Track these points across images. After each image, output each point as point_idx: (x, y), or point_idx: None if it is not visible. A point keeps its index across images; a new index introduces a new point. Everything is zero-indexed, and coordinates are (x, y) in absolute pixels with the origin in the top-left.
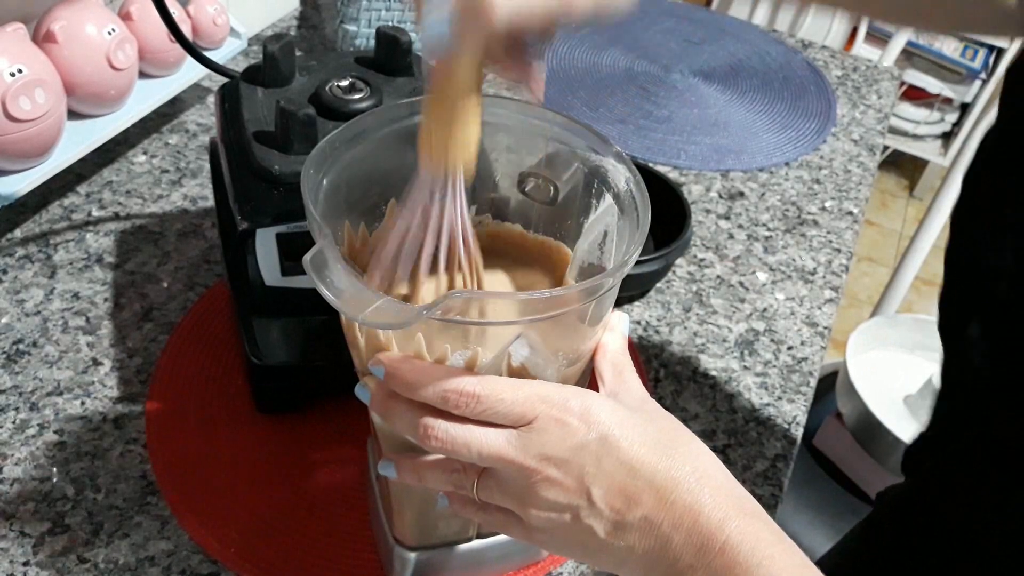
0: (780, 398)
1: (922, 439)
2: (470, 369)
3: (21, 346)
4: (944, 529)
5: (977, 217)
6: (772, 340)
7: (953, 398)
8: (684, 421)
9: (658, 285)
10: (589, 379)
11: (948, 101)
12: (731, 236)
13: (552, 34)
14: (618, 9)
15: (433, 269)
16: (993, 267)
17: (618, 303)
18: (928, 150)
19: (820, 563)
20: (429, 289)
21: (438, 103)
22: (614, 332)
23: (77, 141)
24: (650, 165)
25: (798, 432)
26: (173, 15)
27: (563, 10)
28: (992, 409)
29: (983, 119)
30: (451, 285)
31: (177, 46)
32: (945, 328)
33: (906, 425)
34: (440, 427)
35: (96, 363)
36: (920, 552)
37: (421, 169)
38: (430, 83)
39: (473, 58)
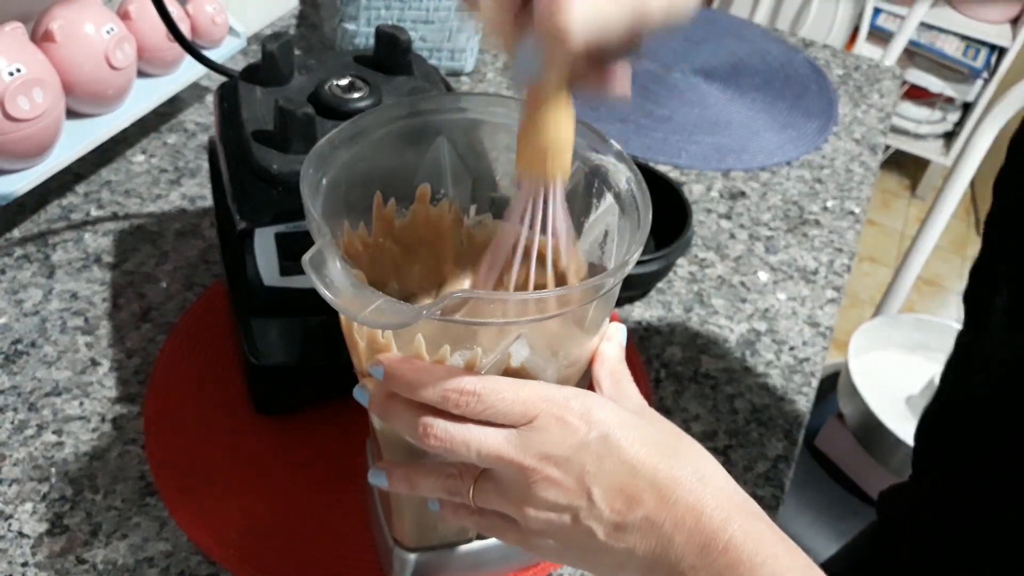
0: (782, 399)
1: (931, 414)
2: (470, 369)
3: (19, 346)
4: (953, 532)
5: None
6: (774, 340)
7: (962, 371)
8: (685, 422)
9: (659, 285)
10: (587, 386)
11: (950, 100)
12: (732, 236)
13: (637, 44)
14: (687, 11)
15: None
16: None
17: (619, 303)
18: (930, 150)
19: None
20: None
21: (533, 122)
22: (612, 341)
23: (75, 141)
24: (651, 164)
25: (800, 433)
26: (172, 14)
27: (639, 21)
28: (1007, 382)
29: (985, 118)
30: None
31: (176, 45)
32: (971, 297)
33: (908, 426)
34: (440, 426)
35: (94, 363)
36: (929, 556)
37: (522, 181)
38: (525, 105)
39: (560, 79)
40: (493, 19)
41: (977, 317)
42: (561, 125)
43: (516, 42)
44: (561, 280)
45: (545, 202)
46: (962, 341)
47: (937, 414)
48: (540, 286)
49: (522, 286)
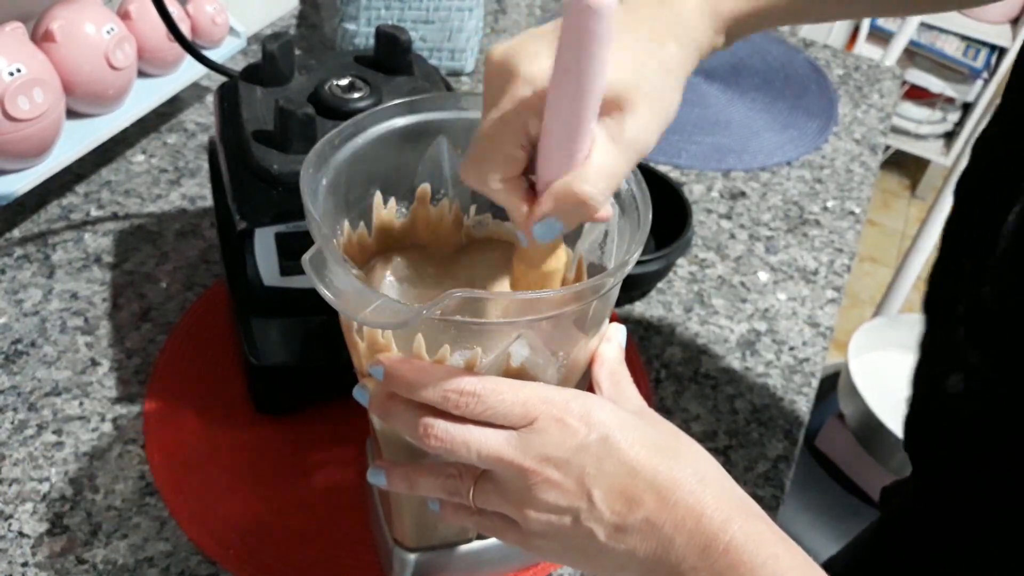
0: (782, 399)
1: (911, 416)
2: (470, 369)
3: (19, 346)
4: (955, 529)
5: (982, 184)
6: (774, 340)
7: (931, 371)
8: (685, 422)
9: (659, 285)
10: (587, 388)
11: (950, 101)
12: (732, 236)
13: None
14: (672, 121)
15: None
16: (991, 239)
17: (619, 303)
18: (930, 150)
19: (830, 564)
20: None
21: (533, 259)
22: (611, 343)
23: (75, 141)
24: (651, 165)
25: (800, 433)
26: (172, 14)
27: (641, 157)
28: (973, 387)
29: (985, 119)
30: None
31: (176, 45)
32: (932, 303)
33: None
34: (440, 426)
35: (94, 363)
36: (931, 553)
37: None
38: (526, 253)
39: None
40: (505, 197)
41: (938, 321)
42: (561, 262)
43: (530, 215)
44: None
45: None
46: (925, 343)
47: (915, 414)
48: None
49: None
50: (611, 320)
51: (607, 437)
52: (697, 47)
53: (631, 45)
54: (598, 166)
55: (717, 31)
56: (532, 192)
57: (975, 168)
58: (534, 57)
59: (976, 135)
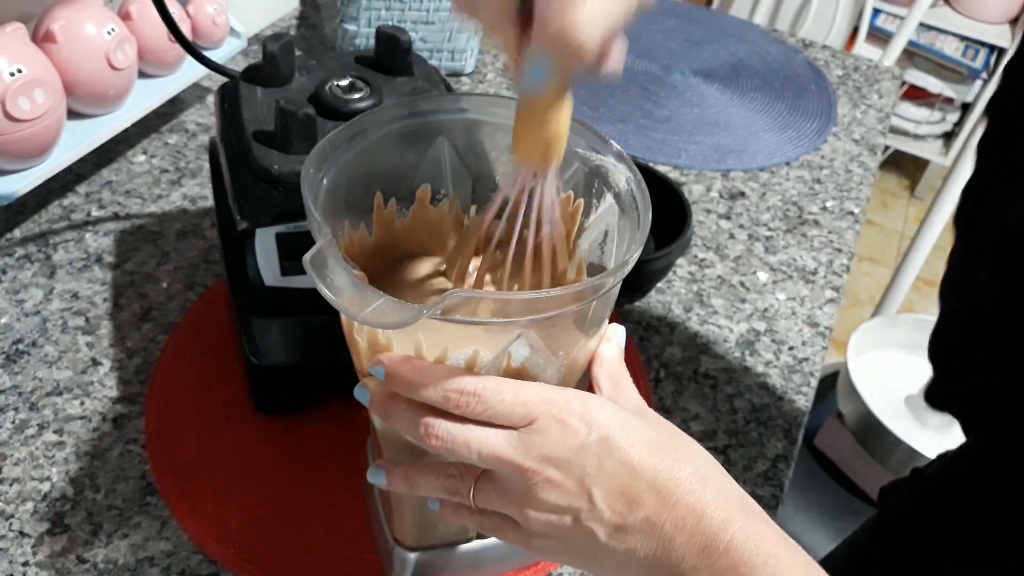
0: (781, 398)
1: (936, 336)
2: (470, 369)
3: (20, 346)
4: (956, 530)
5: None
6: (773, 340)
7: (958, 302)
8: (685, 421)
9: (659, 285)
10: (586, 388)
11: (949, 101)
12: (732, 236)
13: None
14: None
15: (518, 253)
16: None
17: (618, 303)
18: (929, 150)
19: (827, 561)
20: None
21: (532, 117)
22: (610, 343)
23: (76, 141)
24: (651, 165)
25: (799, 432)
26: (173, 15)
27: (636, 13)
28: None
29: (984, 119)
30: (536, 274)
31: (177, 46)
32: (950, 284)
33: (908, 425)
34: (441, 426)
35: (95, 363)
36: (928, 551)
37: (516, 168)
38: (525, 103)
39: (567, 80)
40: (494, 26)
41: (959, 302)
42: (562, 118)
43: (521, 53)
44: (560, 279)
45: (539, 187)
46: (953, 261)
47: (943, 337)
48: (536, 281)
49: (521, 275)
50: (611, 320)
51: (607, 437)
52: None
53: None
54: (594, 4)
55: None
56: (526, 27)
57: (980, 171)
58: None
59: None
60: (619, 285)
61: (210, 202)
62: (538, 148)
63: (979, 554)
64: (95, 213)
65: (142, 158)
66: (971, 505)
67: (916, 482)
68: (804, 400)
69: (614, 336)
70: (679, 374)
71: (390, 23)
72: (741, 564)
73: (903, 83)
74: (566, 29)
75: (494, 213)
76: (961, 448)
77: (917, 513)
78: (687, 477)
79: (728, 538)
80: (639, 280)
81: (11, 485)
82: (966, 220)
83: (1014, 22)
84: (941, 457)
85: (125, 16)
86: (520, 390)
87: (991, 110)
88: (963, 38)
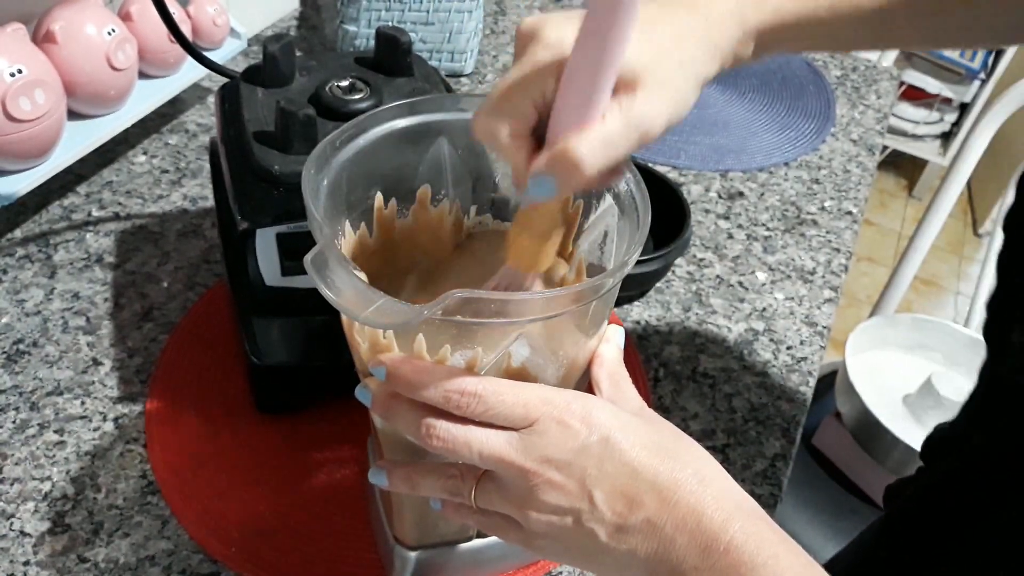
0: (779, 398)
1: (946, 432)
2: (470, 370)
3: (21, 346)
4: (962, 530)
5: None
6: (771, 340)
7: (986, 399)
8: (684, 420)
9: (658, 285)
10: (586, 388)
11: (947, 101)
12: (730, 236)
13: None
14: (685, 116)
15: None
16: None
17: (618, 303)
18: (927, 150)
19: (834, 562)
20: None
21: (530, 223)
22: (610, 343)
23: (77, 141)
24: (650, 165)
25: (797, 432)
26: (173, 15)
27: (643, 143)
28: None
29: (982, 119)
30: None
31: (177, 46)
32: (989, 331)
33: (905, 424)
34: (442, 427)
35: (96, 363)
36: (939, 552)
37: (507, 267)
38: (523, 212)
39: (567, 196)
40: (511, 150)
41: (997, 351)
42: (556, 230)
43: (532, 174)
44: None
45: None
46: (984, 374)
47: (951, 436)
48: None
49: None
50: (610, 320)
51: (608, 438)
52: (720, 53)
53: (653, 37)
54: (599, 132)
55: (743, 41)
56: (537, 152)
57: (1022, 204)
58: (560, 25)
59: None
60: (619, 285)
61: (211, 202)
62: (528, 256)
63: (986, 554)
64: (96, 213)
65: (143, 158)
66: (978, 505)
67: (922, 481)
68: (802, 399)
69: (613, 337)
70: (678, 373)
71: (390, 24)
72: (741, 564)
73: (901, 83)
74: (569, 151)
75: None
76: (966, 447)
77: (924, 513)
78: (687, 478)
79: (728, 538)
80: (638, 280)
81: (12, 485)
82: (995, 334)
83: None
84: (939, 428)
85: (125, 17)
86: (520, 391)
87: (1008, 226)
88: None
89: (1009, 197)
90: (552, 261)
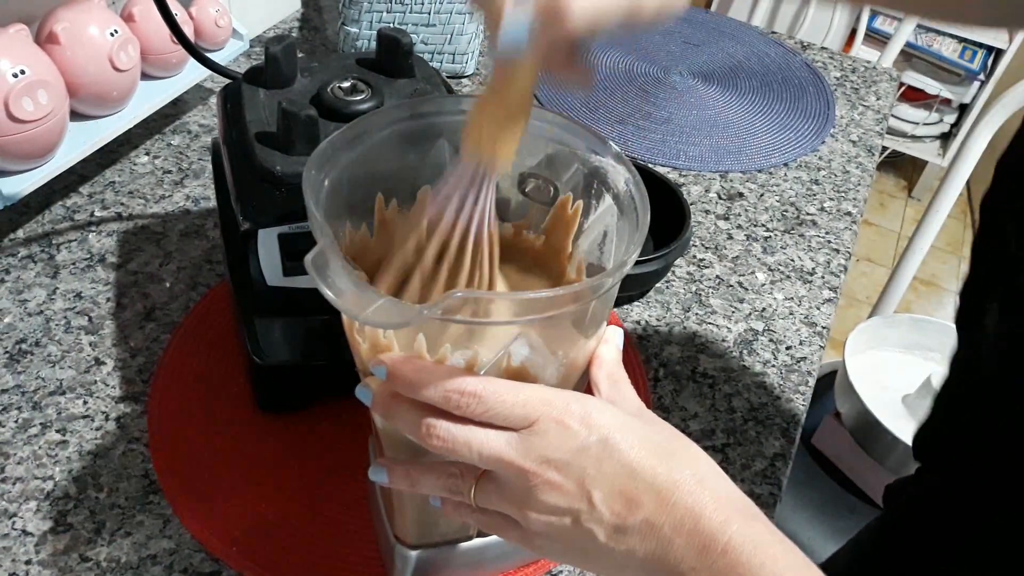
0: (779, 398)
1: (929, 427)
2: (470, 369)
3: (24, 346)
4: (960, 528)
5: (1007, 206)
6: (771, 340)
7: (958, 388)
8: (683, 420)
9: (658, 285)
10: (585, 389)
11: (947, 102)
12: (730, 236)
13: (623, 37)
14: (675, 10)
15: (456, 261)
16: (1017, 256)
17: (618, 303)
18: (927, 151)
19: (832, 561)
20: (444, 280)
21: (494, 100)
22: (609, 344)
23: (80, 142)
24: (649, 166)
25: (797, 431)
26: (175, 16)
27: (633, 15)
28: (995, 404)
29: (981, 120)
30: (469, 277)
31: (179, 47)
32: (962, 318)
33: (905, 424)
34: (442, 426)
35: (98, 362)
36: (936, 551)
37: (463, 158)
38: (494, 77)
39: (537, 61)
40: None
41: (969, 339)
42: (520, 116)
43: (506, 12)
44: (558, 279)
45: (478, 188)
46: (956, 360)
47: (934, 429)
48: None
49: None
50: (610, 320)
51: (607, 439)
52: None
53: None
54: None
55: None
56: None
57: (998, 188)
58: None
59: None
60: (618, 285)
61: (213, 203)
62: (488, 143)
63: (985, 554)
64: (98, 213)
65: (145, 159)
66: (976, 505)
67: (922, 482)
68: (802, 399)
69: (612, 338)
70: (678, 373)
71: (391, 25)
72: (739, 565)
73: (901, 84)
74: None
75: (435, 207)
76: (967, 449)
77: (923, 513)
78: (686, 479)
79: (726, 539)
80: (638, 280)
81: (14, 484)
82: (968, 321)
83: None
84: (922, 427)
85: (128, 18)
86: (520, 392)
87: (984, 209)
88: (960, 40)
89: None
90: (512, 157)
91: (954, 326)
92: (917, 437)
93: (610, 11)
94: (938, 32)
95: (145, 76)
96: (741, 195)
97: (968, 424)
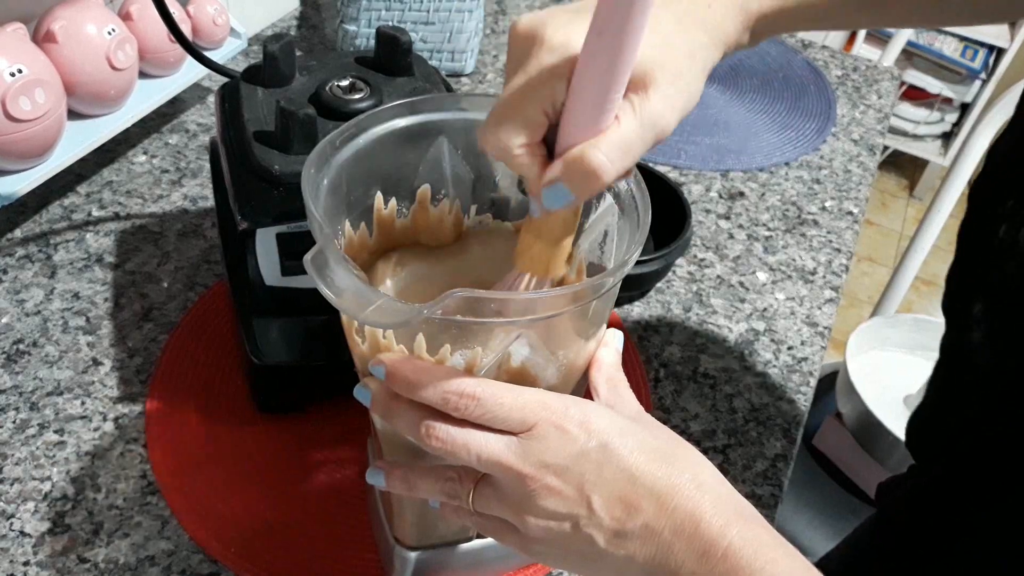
0: (780, 398)
1: (921, 414)
2: (470, 369)
3: (21, 346)
4: (955, 524)
5: (997, 193)
6: (772, 340)
7: (949, 373)
8: (684, 421)
9: (658, 285)
10: (584, 392)
11: (948, 101)
12: (731, 236)
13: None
14: (694, 107)
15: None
16: (1005, 243)
17: (618, 303)
18: (928, 150)
19: (827, 560)
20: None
21: (544, 230)
22: (608, 347)
23: (77, 141)
24: (650, 165)
25: (798, 432)
26: (173, 15)
27: (658, 142)
28: (989, 399)
29: (983, 119)
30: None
31: (177, 46)
32: (949, 304)
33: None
34: (441, 428)
35: (96, 363)
36: (932, 548)
37: (515, 271)
38: (541, 215)
39: (579, 206)
40: (521, 165)
41: (957, 324)
42: (570, 237)
43: (547, 182)
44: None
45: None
46: (945, 345)
47: (926, 416)
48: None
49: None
50: (611, 320)
51: (606, 444)
52: (724, 40)
53: (658, 27)
54: (615, 137)
55: (744, 27)
56: (549, 161)
57: (988, 174)
58: (563, 25)
59: (973, 135)
60: (619, 285)
61: (211, 202)
62: (541, 263)
63: (978, 551)
64: (96, 213)
65: (143, 158)
66: (969, 502)
67: (914, 479)
68: (803, 400)
69: (612, 341)
70: (679, 374)
71: (390, 23)
72: (739, 569)
73: (902, 83)
74: (586, 158)
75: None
76: (959, 447)
77: (916, 511)
78: (685, 483)
79: (726, 543)
80: (639, 280)
81: (12, 485)
82: (956, 308)
83: (1012, 23)
84: (916, 414)
85: (126, 16)
86: (519, 395)
87: (973, 195)
88: (962, 38)
89: None
90: (564, 267)
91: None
92: (910, 426)
93: (636, 151)
94: (939, 31)
95: (143, 75)
96: (742, 194)
97: (961, 416)
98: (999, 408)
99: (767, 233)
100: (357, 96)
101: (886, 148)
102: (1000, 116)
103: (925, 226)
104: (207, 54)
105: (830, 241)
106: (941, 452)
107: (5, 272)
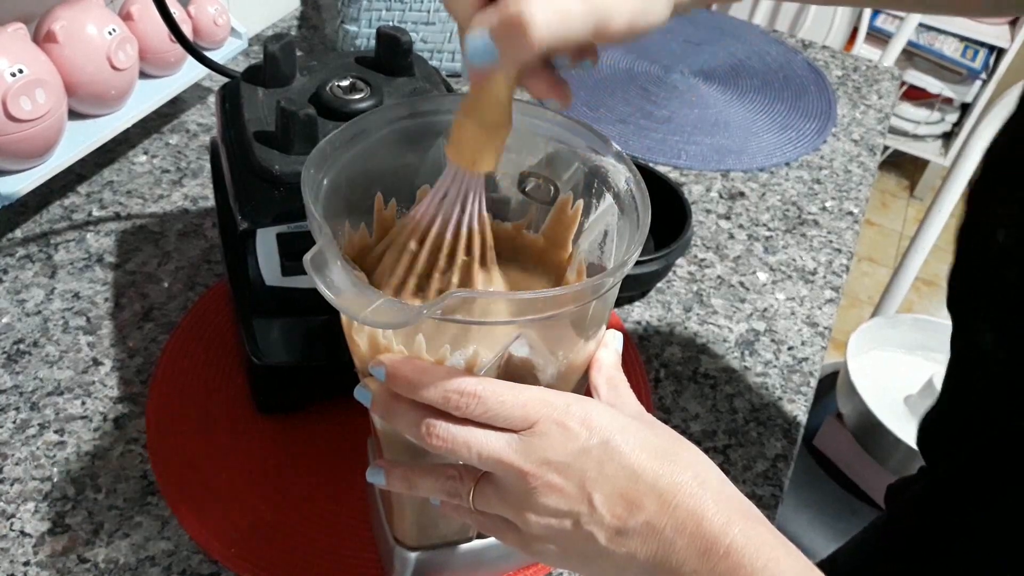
0: (780, 398)
1: (934, 414)
2: (470, 370)
3: (22, 346)
4: (964, 525)
5: (994, 195)
6: (772, 340)
7: (962, 375)
8: (684, 421)
9: (658, 285)
10: (584, 393)
11: (948, 101)
12: (731, 236)
13: (593, 55)
14: (652, 25)
15: (448, 262)
16: (1005, 250)
17: (618, 303)
18: (928, 150)
19: (834, 560)
20: (441, 281)
21: (474, 108)
22: (608, 348)
23: (78, 141)
24: (650, 165)
25: (798, 432)
26: (174, 15)
27: (599, 31)
28: (999, 389)
29: (983, 119)
30: (464, 278)
31: (178, 46)
32: (955, 306)
33: (907, 425)
34: (442, 427)
35: (96, 363)
36: (942, 550)
37: (449, 162)
38: (470, 88)
39: (509, 75)
40: (456, 5)
41: (966, 325)
42: (502, 125)
43: (473, 24)
44: (558, 280)
45: (466, 192)
46: (956, 346)
47: (940, 416)
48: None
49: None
50: (611, 321)
51: (608, 441)
52: None
53: None
54: (557, 1)
55: None
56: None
57: (987, 178)
58: None
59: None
60: (619, 285)
61: (211, 202)
62: (468, 150)
63: (988, 553)
64: (96, 213)
65: (143, 158)
66: (982, 503)
67: (924, 481)
68: (804, 400)
69: (611, 342)
70: (679, 374)
71: (391, 24)
72: (741, 567)
73: (902, 83)
74: (520, 11)
75: (426, 208)
76: (971, 448)
77: (927, 512)
78: (687, 481)
79: (728, 541)
80: (639, 280)
81: (12, 485)
82: (962, 309)
83: (1013, 23)
84: (928, 415)
85: (126, 16)
86: (520, 393)
87: (972, 197)
88: (962, 38)
89: None
90: (496, 163)
91: None
92: (921, 427)
93: (575, 24)
94: (940, 31)
95: (143, 75)
96: (742, 194)
97: (974, 417)
98: (1013, 409)
99: (767, 233)
100: (357, 96)
101: (886, 148)
102: (1000, 116)
103: (925, 226)
104: (207, 54)
105: (830, 241)
106: (953, 454)
107: (5, 272)
